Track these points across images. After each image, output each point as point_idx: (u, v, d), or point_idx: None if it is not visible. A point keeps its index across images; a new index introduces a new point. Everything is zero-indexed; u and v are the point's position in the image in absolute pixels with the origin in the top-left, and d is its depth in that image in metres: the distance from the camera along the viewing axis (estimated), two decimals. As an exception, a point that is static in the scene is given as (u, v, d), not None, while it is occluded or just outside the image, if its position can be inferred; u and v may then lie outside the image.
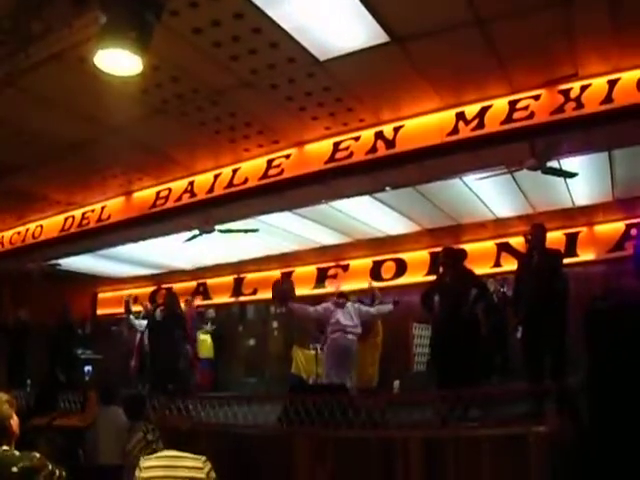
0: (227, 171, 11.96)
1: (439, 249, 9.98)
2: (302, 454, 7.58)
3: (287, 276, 12.72)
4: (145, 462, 5.26)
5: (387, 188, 11.71)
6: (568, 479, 5.09)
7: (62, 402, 9.66)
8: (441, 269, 9.37)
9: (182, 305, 13.01)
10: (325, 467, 7.34)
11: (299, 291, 15.44)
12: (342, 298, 10.91)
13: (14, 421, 3.83)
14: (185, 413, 9.16)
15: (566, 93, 8.97)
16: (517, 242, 12.77)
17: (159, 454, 5.29)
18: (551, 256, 8.54)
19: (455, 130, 9.69)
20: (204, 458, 5.16)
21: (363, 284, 10.97)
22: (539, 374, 8.00)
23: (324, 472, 7.33)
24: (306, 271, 17.09)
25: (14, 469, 3.46)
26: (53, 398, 6.36)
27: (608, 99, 8.67)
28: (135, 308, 14.34)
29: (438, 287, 9.07)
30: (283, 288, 11.13)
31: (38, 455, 3.60)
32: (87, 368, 14.38)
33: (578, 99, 8.88)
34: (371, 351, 11.49)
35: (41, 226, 15.07)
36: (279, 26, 7.54)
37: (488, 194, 12.49)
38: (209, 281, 19.02)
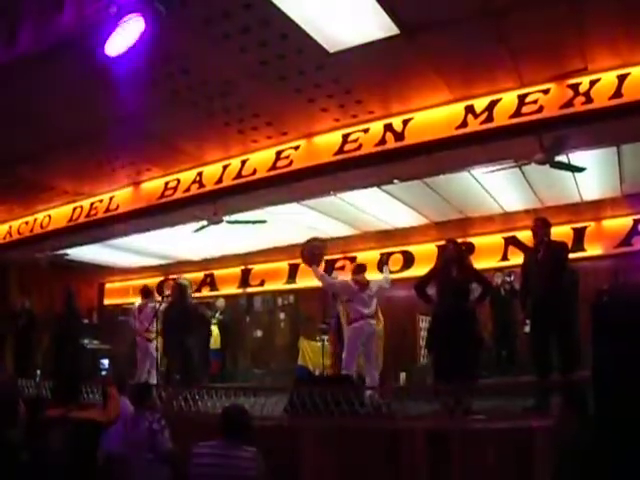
0: (236, 162, 11.98)
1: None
2: (308, 445, 7.62)
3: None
4: (197, 449, 5.30)
5: (395, 180, 11.72)
6: (573, 473, 5.09)
7: (84, 394, 9.68)
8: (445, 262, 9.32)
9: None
10: (331, 458, 7.37)
11: (308, 283, 15.50)
12: (361, 274, 10.38)
13: (21, 406, 3.86)
14: (192, 403, 9.21)
15: (575, 87, 8.96)
16: (525, 236, 12.75)
17: (212, 442, 5.32)
18: (557, 249, 8.54)
19: (464, 123, 9.69)
20: (255, 450, 5.18)
21: (370, 276, 10.94)
22: (546, 368, 8.01)
23: (330, 463, 7.37)
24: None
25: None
26: (73, 389, 6.18)
27: (617, 94, 8.65)
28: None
29: (438, 279, 9.04)
30: (313, 245, 10.80)
31: None
32: (103, 361, 14.16)
33: (587, 94, 8.86)
34: None
35: (49, 216, 15.12)
36: (289, 17, 7.54)
37: (496, 188, 12.50)
38: (216, 272, 19.02)
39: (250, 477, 5.03)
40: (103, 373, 14.03)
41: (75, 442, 4.96)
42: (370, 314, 9.96)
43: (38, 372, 9.96)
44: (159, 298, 13.82)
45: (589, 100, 8.85)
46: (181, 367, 11.63)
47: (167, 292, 13.24)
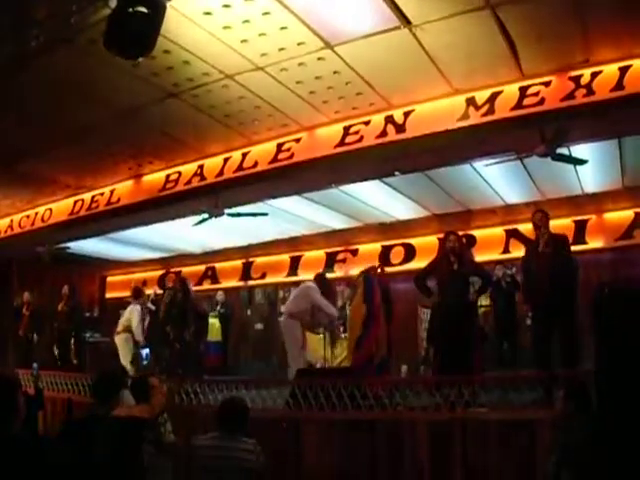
0: (237, 155, 11.97)
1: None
2: (309, 437, 7.62)
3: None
4: (197, 441, 5.30)
5: (396, 173, 11.70)
6: (575, 466, 5.08)
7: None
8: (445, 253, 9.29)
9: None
10: (332, 450, 7.38)
11: (309, 275, 15.51)
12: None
13: (21, 401, 3.84)
14: (194, 397, 9.21)
15: (577, 80, 8.94)
16: (526, 229, 12.74)
17: (211, 434, 5.32)
18: (558, 241, 8.54)
19: (465, 115, 9.67)
20: (254, 441, 5.18)
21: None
22: (548, 361, 8.01)
23: (331, 455, 7.37)
24: (315, 255, 17.09)
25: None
26: (116, 387, 5.82)
27: (619, 86, 8.63)
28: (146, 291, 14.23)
29: (438, 271, 9.02)
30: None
31: None
32: (144, 351, 13.92)
33: (589, 86, 8.84)
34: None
35: (50, 209, 15.13)
36: (289, 9, 7.52)
37: (497, 180, 12.49)
38: (218, 265, 19.03)
39: (250, 468, 5.04)
40: (144, 363, 13.87)
41: (120, 441, 4.93)
42: (284, 312, 10.74)
43: (35, 365, 9.87)
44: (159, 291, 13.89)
45: (591, 92, 8.82)
46: (178, 359, 11.71)
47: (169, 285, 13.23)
